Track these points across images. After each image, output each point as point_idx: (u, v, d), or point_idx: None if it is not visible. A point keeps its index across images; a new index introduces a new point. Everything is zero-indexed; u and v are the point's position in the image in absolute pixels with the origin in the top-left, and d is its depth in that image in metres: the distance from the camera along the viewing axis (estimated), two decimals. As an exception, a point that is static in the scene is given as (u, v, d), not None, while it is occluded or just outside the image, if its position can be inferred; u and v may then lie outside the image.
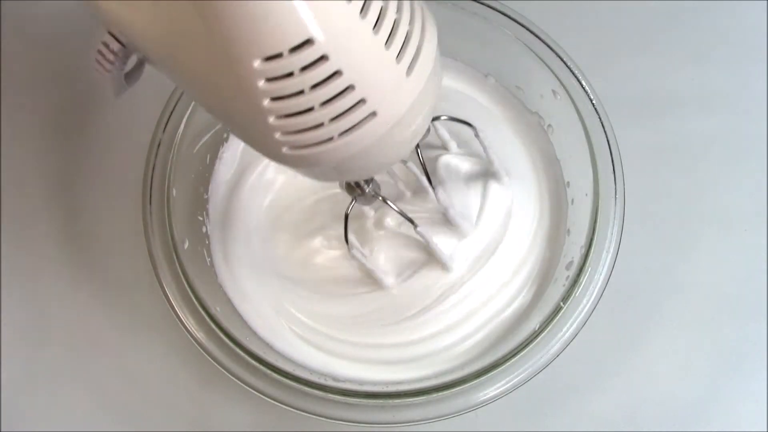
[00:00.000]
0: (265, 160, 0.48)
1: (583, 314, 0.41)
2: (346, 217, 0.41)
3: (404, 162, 0.43)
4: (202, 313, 0.42)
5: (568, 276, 0.43)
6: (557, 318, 0.41)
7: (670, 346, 0.48)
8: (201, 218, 0.47)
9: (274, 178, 0.49)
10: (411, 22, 0.28)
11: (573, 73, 0.45)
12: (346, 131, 0.27)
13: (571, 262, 0.43)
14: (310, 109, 0.26)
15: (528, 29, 0.45)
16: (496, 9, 0.46)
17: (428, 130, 0.37)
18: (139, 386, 0.48)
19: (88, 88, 0.54)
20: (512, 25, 0.46)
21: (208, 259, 0.46)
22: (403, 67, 0.27)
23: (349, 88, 0.26)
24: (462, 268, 0.45)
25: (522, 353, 0.40)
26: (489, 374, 0.40)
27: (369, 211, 0.46)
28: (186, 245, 0.44)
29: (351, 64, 0.25)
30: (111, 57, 0.28)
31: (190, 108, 0.45)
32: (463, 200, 0.46)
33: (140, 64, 0.30)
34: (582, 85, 0.45)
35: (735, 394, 0.47)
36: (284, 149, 0.28)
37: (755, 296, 0.49)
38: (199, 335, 0.41)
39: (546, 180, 0.48)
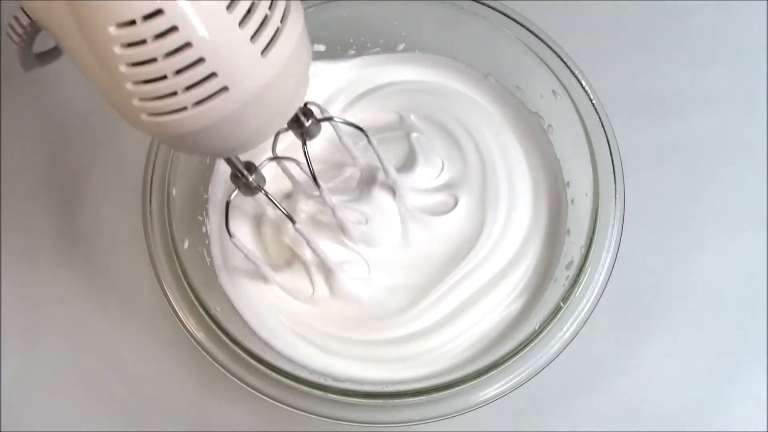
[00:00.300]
0: (264, 160, 0.48)
1: (583, 314, 0.41)
2: (227, 204, 0.40)
3: (297, 162, 0.42)
4: (202, 313, 0.41)
5: (568, 276, 0.43)
6: (557, 318, 0.41)
7: (670, 346, 0.48)
8: (201, 218, 0.47)
9: (273, 178, 0.49)
10: (272, 7, 0.29)
11: (573, 73, 0.45)
12: (199, 102, 0.28)
13: (571, 262, 0.43)
14: (164, 77, 0.27)
15: (528, 29, 0.45)
16: (496, 9, 0.46)
17: (318, 128, 0.39)
18: (139, 386, 0.48)
19: (89, 88, 0.54)
20: (512, 25, 0.46)
21: (208, 259, 0.46)
22: (258, 48, 0.28)
23: (199, 61, 0.27)
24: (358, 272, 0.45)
25: (522, 353, 0.40)
26: (489, 374, 0.40)
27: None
28: (186, 245, 0.44)
29: (201, 39, 0.26)
30: (20, 30, 0.29)
31: (190, 108, 0.45)
32: (375, 208, 0.46)
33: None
34: (582, 85, 0.45)
35: (735, 394, 0.47)
36: (143, 116, 0.29)
37: (755, 296, 0.49)
38: (199, 335, 0.41)
39: (545, 180, 0.48)
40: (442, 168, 0.48)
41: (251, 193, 0.39)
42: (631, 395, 0.47)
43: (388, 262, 0.46)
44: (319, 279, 0.45)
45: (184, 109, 0.28)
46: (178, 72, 0.27)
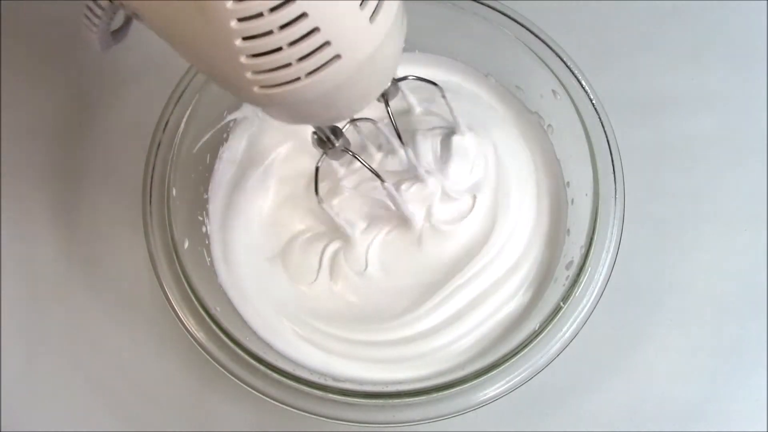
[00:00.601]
0: (266, 161, 0.48)
1: (583, 314, 0.41)
2: (317, 170, 0.42)
3: (374, 122, 0.44)
4: (202, 313, 0.42)
5: (568, 276, 0.43)
6: (557, 318, 0.41)
7: (670, 346, 0.48)
8: (201, 218, 0.47)
9: (274, 178, 0.49)
10: None
11: (573, 73, 0.45)
12: (313, 72, 0.29)
13: (571, 262, 0.43)
14: (279, 49, 0.28)
15: (528, 29, 0.45)
16: (496, 9, 0.46)
17: (396, 89, 0.41)
18: (140, 386, 0.48)
19: (89, 88, 0.54)
20: (512, 25, 0.46)
21: (208, 259, 0.46)
22: (367, 14, 0.29)
23: (314, 31, 0.27)
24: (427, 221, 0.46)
25: (522, 353, 0.40)
26: (489, 374, 0.40)
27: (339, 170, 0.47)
28: (186, 245, 0.44)
29: (317, 8, 0.27)
30: (99, 12, 0.30)
31: (190, 108, 0.45)
32: (430, 158, 0.47)
33: (127, 22, 0.33)
34: (582, 85, 0.45)
35: (735, 394, 0.47)
36: (255, 88, 0.29)
37: (755, 296, 0.49)
38: (199, 335, 0.41)
39: (546, 180, 0.48)
40: (473, 166, 0.47)
41: (338, 157, 0.41)
42: (631, 395, 0.47)
43: (395, 265, 0.46)
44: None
45: (298, 79, 0.29)
46: (293, 43, 0.28)
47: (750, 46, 0.55)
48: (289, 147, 0.48)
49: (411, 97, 0.48)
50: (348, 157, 0.42)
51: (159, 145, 0.44)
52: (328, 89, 0.30)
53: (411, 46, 0.51)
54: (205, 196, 0.48)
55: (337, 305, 0.46)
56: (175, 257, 0.42)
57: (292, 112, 0.32)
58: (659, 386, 0.48)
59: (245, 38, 0.27)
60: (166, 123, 0.45)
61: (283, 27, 0.27)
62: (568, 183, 0.47)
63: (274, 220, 0.48)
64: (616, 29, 0.55)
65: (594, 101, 0.44)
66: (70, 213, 0.52)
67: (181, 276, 0.42)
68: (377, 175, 0.42)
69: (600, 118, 0.44)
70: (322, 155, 0.41)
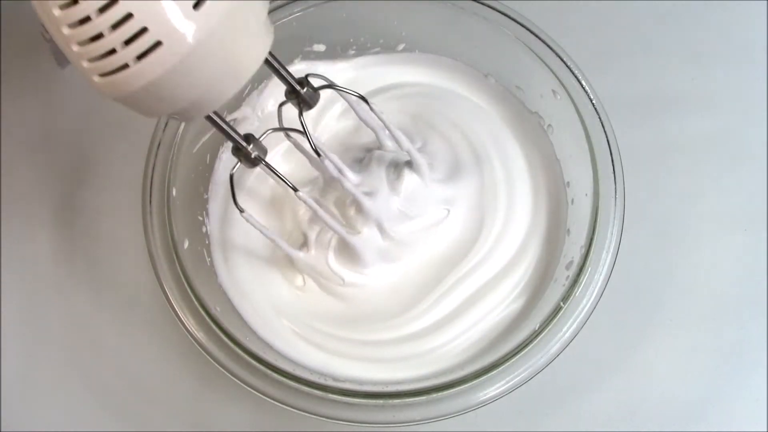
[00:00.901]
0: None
1: (583, 314, 0.41)
2: (231, 177, 0.41)
3: (302, 133, 0.41)
4: (202, 313, 0.42)
5: (568, 276, 0.43)
6: (557, 318, 0.41)
7: (670, 346, 0.48)
8: (201, 218, 0.47)
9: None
10: None
11: (573, 73, 0.45)
12: (139, 58, 0.29)
13: (571, 262, 0.43)
14: (101, 36, 0.28)
15: (528, 29, 0.45)
16: (496, 9, 0.46)
17: (317, 96, 0.38)
18: (139, 386, 0.48)
19: (89, 88, 0.54)
20: (512, 25, 0.46)
21: (208, 259, 0.46)
22: (189, 2, 0.28)
23: (128, 17, 0.28)
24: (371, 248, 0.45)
25: (522, 353, 0.40)
26: (489, 374, 0.40)
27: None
28: (186, 245, 0.44)
29: None
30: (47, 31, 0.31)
31: (190, 108, 0.45)
32: (379, 184, 0.45)
33: None
34: (582, 85, 0.45)
35: (735, 394, 0.47)
36: (95, 78, 0.30)
37: (755, 296, 0.49)
38: (199, 335, 0.41)
39: (546, 180, 0.48)
40: (439, 171, 0.47)
41: (252, 165, 0.39)
42: (631, 395, 0.47)
43: (372, 273, 0.46)
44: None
45: (127, 66, 0.29)
46: (113, 29, 0.28)
47: (750, 46, 0.55)
48: (287, 146, 0.48)
49: (368, 118, 0.44)
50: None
51: (159, 145, 0.44)
52: (158, 77, 0.29)
53: (411, 46, 0.51)
54: (205, 196, 0.48)
55: (333, 307, 0.46)
56: (175, 257, 0.42)
57: (139, 101, 0.31)
58: (659, 386, 0.48)
59: (69, 25, 0.28)
60: (166, 123, 0.45)
61: (100, 12, 0.27)
62: (568, 183, 0.47)
63: (273, 220, 0.48)
64: (616, 29, 0.55)
65: (594, 101, 0.44)
66: (70, 213, 0.52)
67: (181, 276, 0.42)
68: (292, 187, 0.41)
69: (600, 118, 0.44)
70: (236, 164, 0.39)
